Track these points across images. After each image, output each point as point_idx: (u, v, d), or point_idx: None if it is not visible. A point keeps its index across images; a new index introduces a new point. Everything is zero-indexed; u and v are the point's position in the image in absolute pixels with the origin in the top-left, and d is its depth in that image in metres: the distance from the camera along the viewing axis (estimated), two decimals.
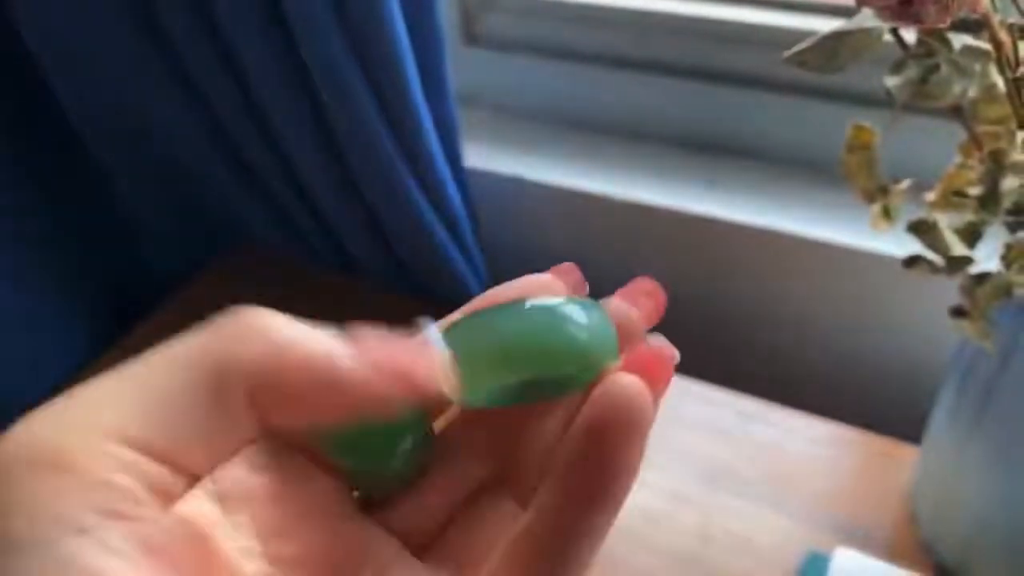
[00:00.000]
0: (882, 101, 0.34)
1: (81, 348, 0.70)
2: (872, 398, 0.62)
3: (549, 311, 0.20)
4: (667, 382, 0.19)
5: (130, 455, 0.16)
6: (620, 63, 0.67)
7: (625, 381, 0.18)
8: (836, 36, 0.31)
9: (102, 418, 0.16)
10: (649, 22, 0.64)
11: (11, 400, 0.65)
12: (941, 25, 0.23)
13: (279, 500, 0.18)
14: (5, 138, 0.64)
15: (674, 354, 0.19)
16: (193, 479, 0.17)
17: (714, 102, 0.64)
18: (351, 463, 0.19)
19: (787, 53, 0.31)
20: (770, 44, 0.60)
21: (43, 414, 0.17)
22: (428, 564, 0.20)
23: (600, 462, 0.17)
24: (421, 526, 0.20)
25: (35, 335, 0.68)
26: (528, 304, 0.20)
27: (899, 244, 0.50)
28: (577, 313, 0.20)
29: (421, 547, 0.20)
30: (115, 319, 0.73)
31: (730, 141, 0.65)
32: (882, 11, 0.23)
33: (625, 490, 0.18)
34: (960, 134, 0.35)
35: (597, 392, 0.18)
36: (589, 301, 0.20)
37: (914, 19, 0.22)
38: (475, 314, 0.21)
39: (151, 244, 0.76)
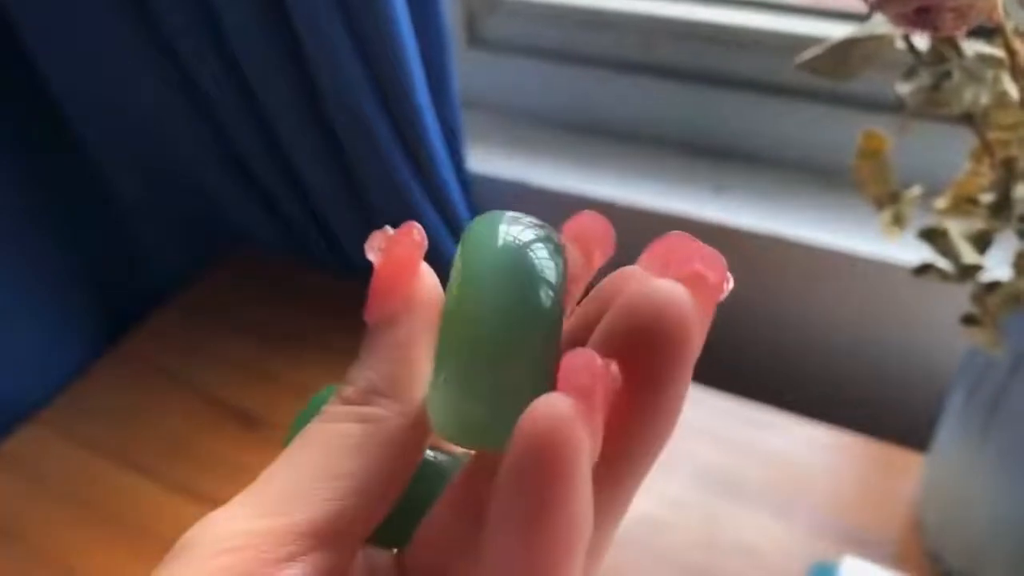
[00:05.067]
0: (891, 105, 0.34)
1: (81, 350, 0.70)
2: (879, 405, 0.62)
3: None
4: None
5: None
6: (625, 67, 0.66)
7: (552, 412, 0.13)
8: (848, 43, 0.31)
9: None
10: (653, 26, 0.64)
11: (12, 401, 0.65)
12: (957, 33, 0.22)
13: None
14: (4, 139, 0.64)
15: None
16: None
17: (720, 107, 0.64)
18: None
19: (799, 60, 0.30)
20: (776, 48, 0.60)
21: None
22: None
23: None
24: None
25: (35, 337, 0.68)
26: None
27: (908, 250, 0.49)
28: None
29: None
30: (115, 320, 0.72)
31: (737, 146, 0.65)
32: (898, 18, 0.23)
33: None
34: (970, 139, 0.35)
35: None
36: None
37: (931, 26, 0.22)
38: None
39: (151, 245, 0.76)
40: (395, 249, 0.18)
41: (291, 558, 0.16)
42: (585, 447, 0.13)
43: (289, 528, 0.16)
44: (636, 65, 0.66)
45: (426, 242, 0.18)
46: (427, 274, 0.18)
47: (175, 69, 0.63)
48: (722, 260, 0.16)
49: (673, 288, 0.15)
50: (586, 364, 0.14)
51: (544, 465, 0.13)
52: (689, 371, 0.15)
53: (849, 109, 0.59)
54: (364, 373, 0.18)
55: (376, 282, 0.18)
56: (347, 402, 0.18)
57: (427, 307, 0.18)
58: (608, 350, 0.15)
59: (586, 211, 0.19)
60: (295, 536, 0.16)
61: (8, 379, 0.65)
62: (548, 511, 0.13)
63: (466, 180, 0.65)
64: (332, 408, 0.18)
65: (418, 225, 0.18)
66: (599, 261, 0.19)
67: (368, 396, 0.18)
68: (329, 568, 0.16)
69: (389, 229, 0.18)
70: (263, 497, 0.16)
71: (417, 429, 0.18)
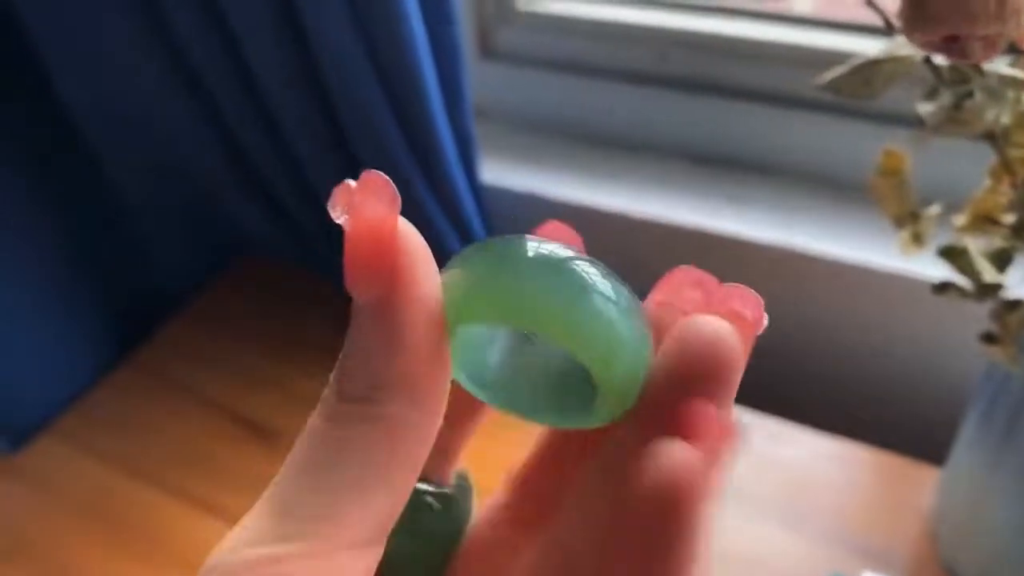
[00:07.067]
0: (908, 118, 0.34)
1: (92, 362, 0.70)
2: (895, 418, 0.61)
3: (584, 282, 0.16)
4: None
5: None
6: (638, 79, 0.66)
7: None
8: (870, 64, 0.31)
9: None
10: (667, 38, 0.64)
11: (22, 415, 0.65)
12: (986, 61, 0.22)
13: None
14: (12, 148, 0.63)
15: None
16: None
17: (734, 119, 0.64)
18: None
19: (821, 80, 0.30)
20: (790, 61, 0.60)
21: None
22: None
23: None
24: None
25: (45, 350, 0.67)
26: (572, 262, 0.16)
27: (924, 265, 0.49)
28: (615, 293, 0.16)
29: None
30: (125, 331, 0.72)
31: (750, 158, 0.65)
32: (926, 46, 0.23)
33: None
34: (988, 151, 0.35)
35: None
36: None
37: (959, 55, 0.22)
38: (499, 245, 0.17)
39: (160, 255, 0.76)
40: (367, 208, 0.16)
41: None
42: (709, 494, 0.15)
43: (312, 550, 0.15)
44: (649, 77, 0.66)
45: (399, 195, 0.16)
46: (410, 235, 0.17)
47: (182, 71, 0.63)
48: (759, 299, 0.17)
49: (720, 325, 0.16)
50: (721, 421, 0.15)
51: (673, 509, 0.15)
52: (733, 397, 0.16)
53: (865, 121, 0.59)
54: (354, 363, 0.17)
55: (351, 250, 0.16)
56: (350, 400, 0.16)
57: (417, 275, 0.16)
58: (670, 384, 0.16)
59: (550, 221, 0.19)
60: (320, 555, 0.15)
61: (19, 395, 0.65)
62: (674, 546, 0.15)
63: (479, 191, 0.65)
64: (336, 408, 0.16)
65: (384, 175, 0.16)
66: None
67: (372, 392, 0.16)
68: None
69: (352, 183, 0.16)
70: (283, 516, 0.16)
71: (429, 419, 0.16)
